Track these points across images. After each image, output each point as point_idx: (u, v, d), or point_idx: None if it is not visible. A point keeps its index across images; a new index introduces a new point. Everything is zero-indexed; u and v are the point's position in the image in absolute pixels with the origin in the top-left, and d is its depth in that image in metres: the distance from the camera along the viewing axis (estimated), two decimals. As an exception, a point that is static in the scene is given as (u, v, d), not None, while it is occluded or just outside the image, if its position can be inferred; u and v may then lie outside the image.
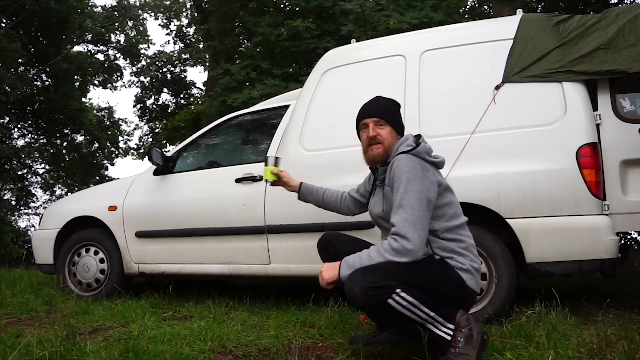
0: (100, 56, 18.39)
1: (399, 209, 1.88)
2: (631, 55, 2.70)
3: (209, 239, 3.40)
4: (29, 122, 16.92)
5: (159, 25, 22.97)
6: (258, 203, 3.23)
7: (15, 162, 16.55)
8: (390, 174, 1.99)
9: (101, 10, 17.62)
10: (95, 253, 3.80)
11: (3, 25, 12.82)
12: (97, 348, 2.21)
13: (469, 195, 2.67)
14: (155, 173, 3.71)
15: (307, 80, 3.39)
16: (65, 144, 18.80)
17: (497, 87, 2.83)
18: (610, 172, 2.69)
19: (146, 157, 5.79)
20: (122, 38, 18.70)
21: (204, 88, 14.66)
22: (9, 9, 12.32)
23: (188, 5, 16.57)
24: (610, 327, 2.28)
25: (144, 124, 18.92)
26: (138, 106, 18.13)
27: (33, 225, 18.89)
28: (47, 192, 19.90)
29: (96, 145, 19.53)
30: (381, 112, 2.15)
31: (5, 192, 18.32)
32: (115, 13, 17.62)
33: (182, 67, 17.97)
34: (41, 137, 17.98)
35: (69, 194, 17.34)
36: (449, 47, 3.04)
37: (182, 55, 17.09)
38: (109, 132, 19.84)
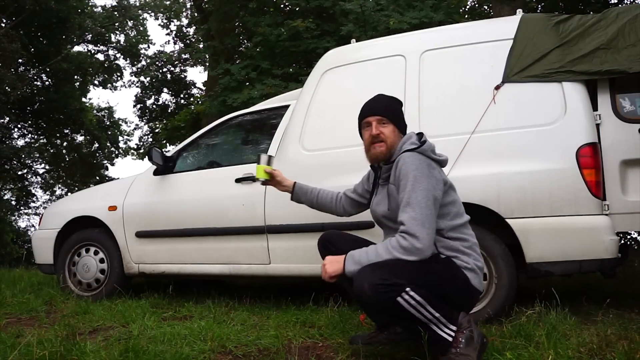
0: (100, 56, 18.44)
1: (406, 207, 1.87)
2: (631, 55, 2.70)
3: (209, 239, 3.40)
4: (29, 122, 16.93)
5: (159, 25, 23.02)
6: (258, 203, 3.23)
7: (15, 162, 16.56)
8: (396, 172, 1.98)
9: (101, 10, 17.64)
10: (95, 253, 3.80)
11: (3, 25, 12.83)
12: (97, 348, 2.22)
13: (469, 195, 2.66)
14: (155, 173, 3.71)
15: (307, 80, 3.39)
16: (65, 144, 18.80)
17: (497, 87, 2.83)
18: (610, 172, 2.69)
19: (146, 157, 5.79)
20: (122, 38, 18.74)
21: (204, 88, 14.68)
22: (9, 9, 12.33)
23: (188, 5, 16.59)
24: (610, 327, 2.28)
25: (144, 124, 18.96)
26: (138, 106, 18.15)
27: (33, 225, 18.91)
28: (47, 192, 19.93)
29: (96, 145, 19.54)
30: (384, 110, 2.13)
31: (5, 192, 18.34)
32: (115, 13, 17.62)
33: (182, 67, 18.02)
34: (41, 137, 17.99)
35: (69, 194, 17.34)
36: (449, 47, 3.03)
37: (182, 55, 17.10)
38: (109, 132, 19.85)
